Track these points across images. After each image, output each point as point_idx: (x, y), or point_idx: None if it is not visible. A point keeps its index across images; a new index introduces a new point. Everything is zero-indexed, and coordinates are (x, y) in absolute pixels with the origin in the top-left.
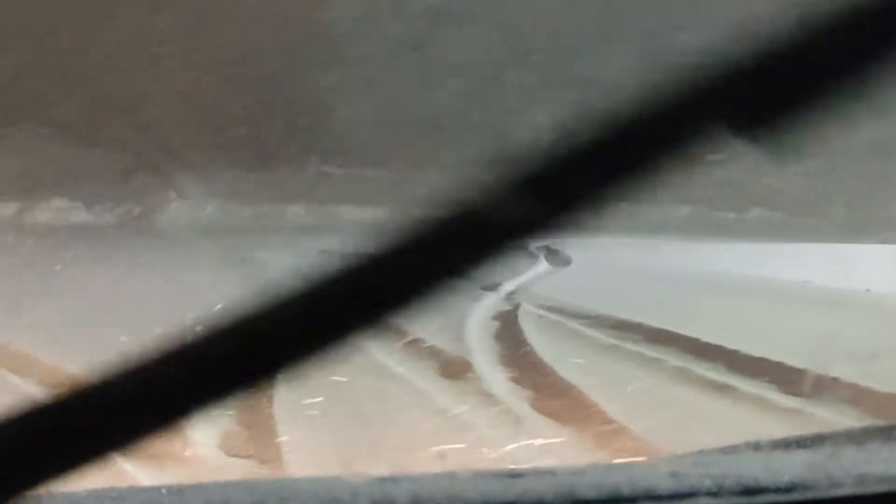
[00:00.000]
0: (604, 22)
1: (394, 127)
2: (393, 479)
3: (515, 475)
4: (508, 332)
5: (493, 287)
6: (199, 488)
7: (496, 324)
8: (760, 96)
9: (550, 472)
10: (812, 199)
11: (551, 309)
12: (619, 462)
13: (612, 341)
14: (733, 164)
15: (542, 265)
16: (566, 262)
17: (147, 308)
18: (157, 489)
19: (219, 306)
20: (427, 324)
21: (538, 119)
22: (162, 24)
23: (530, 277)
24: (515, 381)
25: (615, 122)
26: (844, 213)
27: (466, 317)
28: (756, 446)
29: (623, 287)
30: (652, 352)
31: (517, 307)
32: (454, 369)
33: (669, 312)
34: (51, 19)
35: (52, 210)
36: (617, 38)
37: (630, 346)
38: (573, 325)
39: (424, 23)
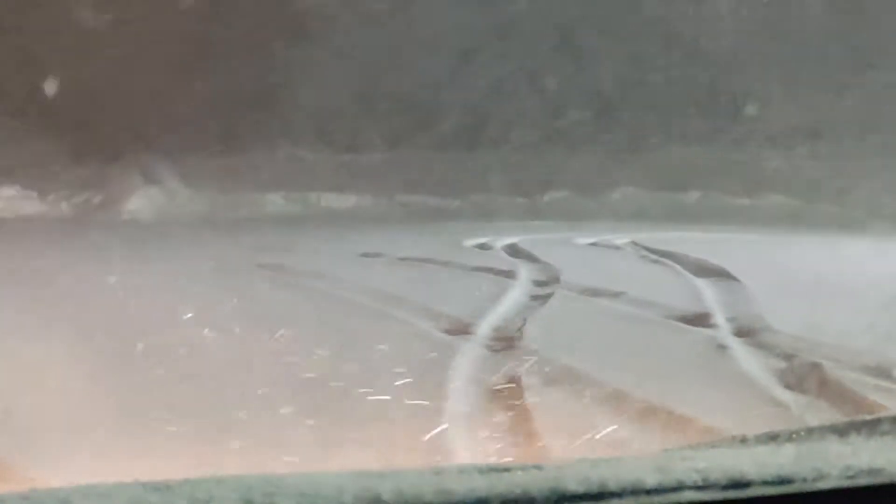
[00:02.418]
0: None
1: (366, 106)
2: (378, 474)
3: (501, 469)
4: None
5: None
6: (185, 484)
7: None
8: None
9: (537, 467)
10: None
11: None
12: (606, 456)
13: None
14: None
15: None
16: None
17: (113, 313)
18: (142, 485)
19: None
20: None
21: (521, 96)
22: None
23: None
24: None
25: (606, 96)
26: None
27: None
28: (743, 440)
29: None
30: None
31: None
32: None
33: None
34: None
35: (1, 199)
36: (610, 5)
37: None
38: None
39: None
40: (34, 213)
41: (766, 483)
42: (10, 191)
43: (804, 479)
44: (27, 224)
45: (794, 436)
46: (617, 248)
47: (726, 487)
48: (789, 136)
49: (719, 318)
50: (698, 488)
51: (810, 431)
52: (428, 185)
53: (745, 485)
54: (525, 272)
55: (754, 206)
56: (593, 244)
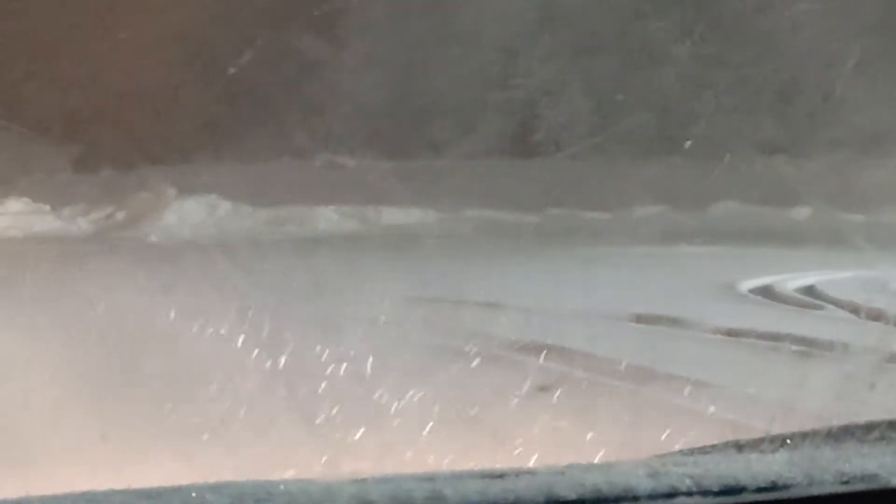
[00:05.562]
0: None
1: (403, 109)
2: (370, 480)
3: (495, 475)
4: None
5: None
6: (176, 491)
7: None
8: None
9: (530, 473)
10: None
11: None
12: (599, 462)
13: None
14: None
15: None
16: None
17: (137, 346)
18: (133, 492)
19: None
20: None
21: (571, 96)
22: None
23: None
24: None
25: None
26: None
27: None
28: (736, 445)
29: None
30: None
31: None
32: None
33: None
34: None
35: (10, 215)
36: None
37: None
38: None
39: None
40: (47, 231)
41: (759, 489)
42: (16, 204)
43: (797, 485)
44: (38, 243)
45: (787, 441)
46: None
47: (720, 493)
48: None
49: None
50: (691, 494)
51: (804, 437)
52: (490, 198)
53: (738, 491)
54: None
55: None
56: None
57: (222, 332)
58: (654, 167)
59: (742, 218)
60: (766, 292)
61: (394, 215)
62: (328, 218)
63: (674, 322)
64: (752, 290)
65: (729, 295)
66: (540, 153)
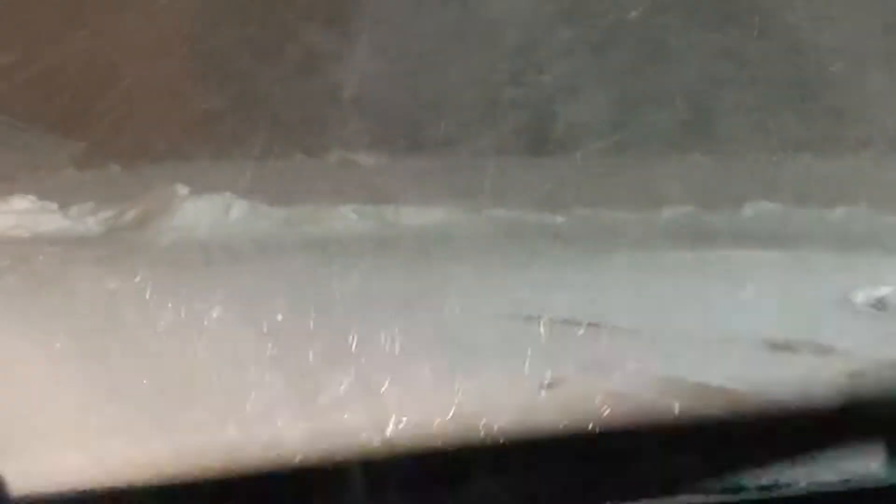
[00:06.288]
0: None
1: (417, 104)
2: None
3: None
4: None
5: None
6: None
7: None
8: None
9: None
10: None
11: None
12: None
13: None
14: None
15: None
16: None
17: (156, 359)
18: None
19: None
20: None
21: (589, 92)
22: None
23: None
24: None
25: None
26: None
27: None
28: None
29: None
30: None
31: None
32: None
33: None
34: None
35: (13, 213)
36: None
37: None
38: None
39: None
40: (53, 231)
41: (761, 488)
42: (22, 202)
43: (799, 484)
44: (49, 245)
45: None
46: None
47: (721, 492)
48: None
49: None
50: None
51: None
52: (511, 197)
53: (739, 489)
54: None
55: None
56: None
57: (232, 335)
58: (679, 165)
59: (783, 219)
60: (881, 305)
61: (415, 215)
62: (346, 218)
63: (819, 350)
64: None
65: (846, 310)
66: (558, 150)
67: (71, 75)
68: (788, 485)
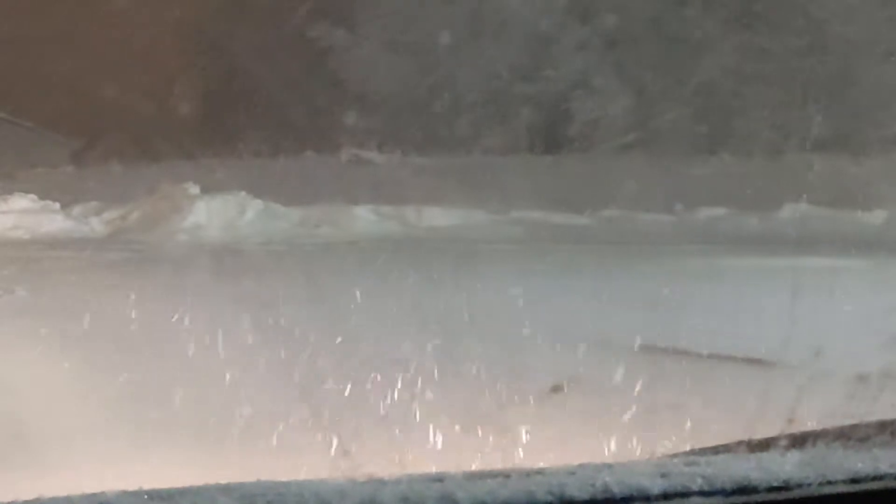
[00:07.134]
0: None
1: (429, 101)
2: (381, 481)
3: (506, 475)
4: None
5: None
6: (188, 492)
7: None
8: None
9: (540, 473)
10: None
11: None
12: (610, 462)
13: None
14: None
15: None
16: None
17: (149, 351)
18: (142, 493)
19: None
20: None
21: (605, 89)
22: None
23: None
24: None
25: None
26: None
27: None
28: (748, 445)
29: None
30: None
31: None
32: None
33: None
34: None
35: (15, 213)
36: None
37: None
38: None
39: None
40: (54, 233)
41: (771, 489)
42: (22, 201)
43: (809, 485)
44: (50, 247)
45: (799, 440)
46: None
47: (732, 493)
48: None
49: None
50: (704, 494)
51: (816, 436)
52: (531, 196)
53: (750, 490)
54: None
55: None
56: None
57: (242, 338)
58: (699, 165)
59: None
60: None
61: (436, 216)
62: (365, 218)
63: None
64: None
65: None
66: (573, 149)
67: (71, 73)
68: (799, 486)
